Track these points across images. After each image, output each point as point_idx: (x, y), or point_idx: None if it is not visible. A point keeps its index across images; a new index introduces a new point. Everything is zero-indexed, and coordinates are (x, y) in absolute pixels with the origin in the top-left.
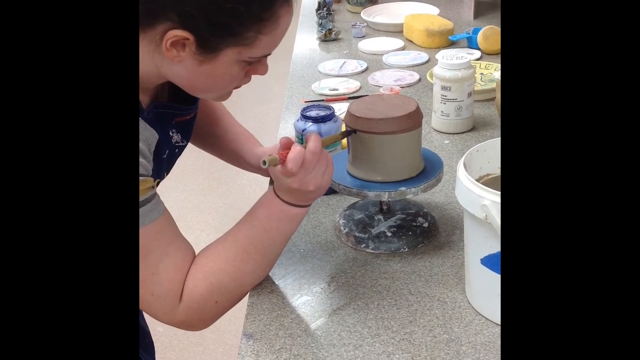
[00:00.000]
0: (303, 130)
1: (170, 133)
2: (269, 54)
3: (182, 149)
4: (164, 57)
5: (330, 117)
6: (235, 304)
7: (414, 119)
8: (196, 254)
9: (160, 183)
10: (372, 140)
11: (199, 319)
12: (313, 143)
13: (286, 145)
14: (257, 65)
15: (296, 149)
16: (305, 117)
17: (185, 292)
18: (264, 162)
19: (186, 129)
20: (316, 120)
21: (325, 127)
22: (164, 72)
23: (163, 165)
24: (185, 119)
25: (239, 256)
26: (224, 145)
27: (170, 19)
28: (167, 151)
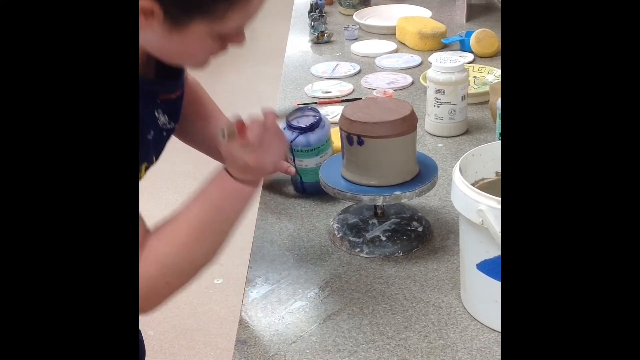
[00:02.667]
0: (291, 142)
1: (156, 114)
2: (244, 26)
3: (170, 132)
4: None
5: (317, 124)
6: (185, 286)
7: (408, 123)
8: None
9: (153, 183)
10: (367, 144)
11: (148, 301)
12: (270, 120)
13: (241, 121)
14: (232, 36)
15: (255, 121)
16: (291, 127)
17: None
18: (223, 133)
19: (173, 110)
20: (304, 130)
21: (313, 136)
22: None
23: (150, 148)
24: (171, 98)
25: (192, 237)
26: (214, 143)
27: None
28: (152, 132)
